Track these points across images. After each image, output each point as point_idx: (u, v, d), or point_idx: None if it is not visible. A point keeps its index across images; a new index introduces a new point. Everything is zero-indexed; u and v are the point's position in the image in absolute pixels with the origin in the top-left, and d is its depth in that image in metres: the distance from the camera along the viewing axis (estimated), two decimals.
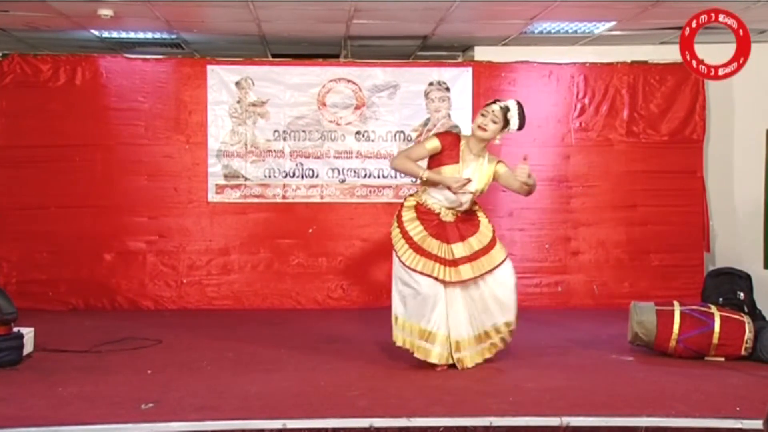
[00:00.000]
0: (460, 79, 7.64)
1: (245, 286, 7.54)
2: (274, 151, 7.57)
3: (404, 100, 7.61)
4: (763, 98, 7.80)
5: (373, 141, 7.61)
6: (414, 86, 7.61)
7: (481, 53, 7.97)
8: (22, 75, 7.36)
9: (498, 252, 5.13)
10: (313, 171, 7.60)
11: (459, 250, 5.05)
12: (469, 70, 7.69)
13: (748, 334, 5.43)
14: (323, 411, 4.14)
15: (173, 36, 7.71)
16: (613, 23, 7.06)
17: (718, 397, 4.51)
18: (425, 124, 7.59)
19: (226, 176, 7.54)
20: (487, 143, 5.14)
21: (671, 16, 6.61)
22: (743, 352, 5.43)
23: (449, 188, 5.02)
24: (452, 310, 5.04)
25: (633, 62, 7.78)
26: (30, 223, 7.33)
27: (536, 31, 7.36)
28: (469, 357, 5.09)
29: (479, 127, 5.04)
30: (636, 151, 7.74)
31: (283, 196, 7.59)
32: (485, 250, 5.10)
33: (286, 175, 7.59)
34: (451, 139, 5.14)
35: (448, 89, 7.61)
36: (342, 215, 7.62)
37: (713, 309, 5.61)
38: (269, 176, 7.57)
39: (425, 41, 7.93)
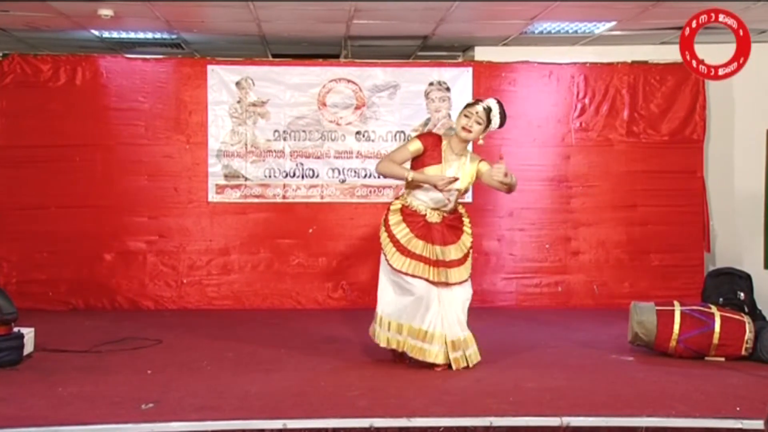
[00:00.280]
0: (460, 79, 7.64)
1: (245, 286, 7.54)
2: (275, 151, 7.57)
3: (404, 100, 7.61)
4: (763, 98, 7.80)
5: (373, 141, 7.61)
6: (414, 86, 7.61)
7: (482, 53, 7.98)
8: (22, 75, 7.37)
9: (464, 269, 5.16)
10: (313, 171, 7.60)
11: (440, 253, 5.08)
12: (470, 70, 7.69)
13: (749, 335, 5.43)
14: (323, 411, 4.14)
15: (173, 36, 7.71)
16: (613, 23, 7.06)
17: (719, 397, 4.51)
18: (425, 124, 7.59)
19: (226, 176, 7.54)
20: (468, 142, 5.18)
21: (671, 16, 6.61)
22: (743, 353, 5.43)
23: (436, 187, 5.04)
24: (445, 310, 5.05)
25: (633, 62, 7.78)
26: (30, 223, 7.34)
27: (536, 31, 7.36)
28: (462, 358, 5.08)
29: (463, 128, 5.07)
30: (636, 151, 7.75)
31: (284, 196, 7.60)
32: (459, 262, 5.14)
33: (286, 175, 7.59)
34: (432, 139, 5.19)
35: (448, 89, 7.61)
36: (342, 215, 7.62)
37: (713, 309, 5.61)
38: (269, 176, 7.58)
39: (425, 41, 7.93)
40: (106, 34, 7.65)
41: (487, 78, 7.70)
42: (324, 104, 7.60)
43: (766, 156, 7.82)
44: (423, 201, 5.16)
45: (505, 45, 7.93)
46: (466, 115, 5.08)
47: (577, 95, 7.75)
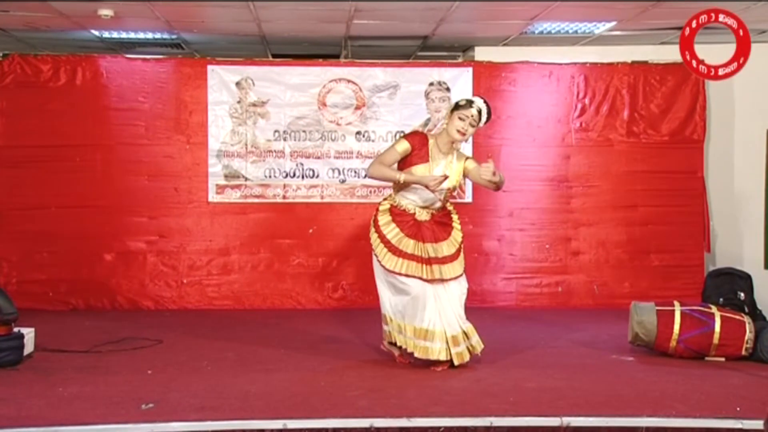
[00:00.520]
0: (460, 80, 7.65)
1: (245, 286, 7.54)
2: (275, 151, 7.58)
3: (404, 100, 7.61)
4: (764, 98, 7.80)
5: (373, 141, 7.61)
6: (414, 86, 7.62)
7: (482, 53, 7.98)
8: (22, 75, 7.37)
9: (458, 264, 5.16)
10: (313, 171, 7.60)
11: (432, 250, 5.09)
12: (470, 70, 7.70)
13: (749, 335, 5.43)
14: (323, 411, 4.14)
15: (173, 36, 7.71)
16: (613, 23, 7.06)
17: (719, 398, 4.50)
18: (425, 124, 7.59)
19: (226, 176, 7.54)
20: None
21: (671, 17, 6.61)
22: (744, 353, 5.43)
23: (427, 187, 5.04)
24: (442, 306, 5.06)
25: (633, 62, 7.78)
26: (30, 223, 7.34)
27: (536, 32, 7.36)
28: (464, 352, 5.09)
29: (459, 131, 5.09)
30: (636, 152, 7.75)
31: (284, 197, 7.60)
32: (452, 257, 5.14)
33: (286, 176, 7.59)
34: (419, 138, 5.21)
35: (448, 89, 7.62)
36: (342, 215, 7.62)
37: (714, 309, 5.61)
38: (269, 176, 7.58)
39: (426, 41, 7.94)
40: (106, 34, 7.65)
41: (487, 78, 7.70)
42: (324, 104, 7.60)
43: (766, 156, 7.82)
44: (412, 200, 5.18)
45: (505, 45, 7.93)
46: (461, 118, 5.08)
47: (578, 95, 7.75)
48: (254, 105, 7.55)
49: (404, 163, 5.15)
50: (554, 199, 7.76)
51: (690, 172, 7.75)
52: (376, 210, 5.29)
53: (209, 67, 7.53)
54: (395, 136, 7.58)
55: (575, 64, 7.80)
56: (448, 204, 5.33)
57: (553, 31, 7.37)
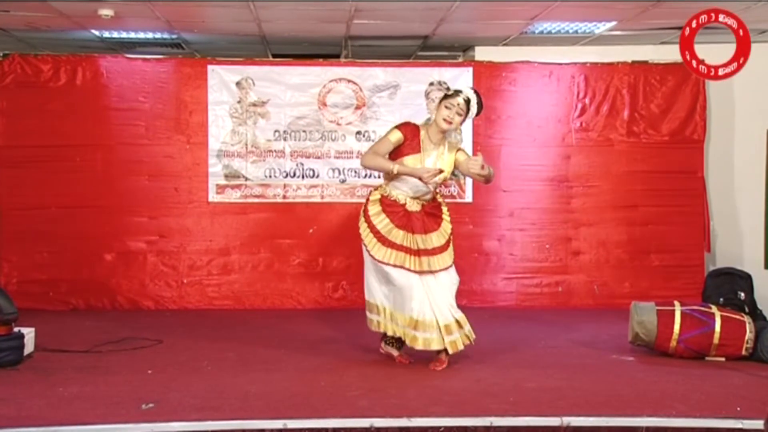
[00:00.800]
0: (460, 79, 7.64)
1: (246, 286, 7.54)
2: (275, 151, 7.58)
3: (405, 100, 7.61)
4: (764, 98, 7.80)
5: (373, 141, 7.58)
6: (414, 86, 7.62)
7: (482, 53, 7.98)
8: (22, 75, 7.37)
9: (447, 256, 5.17)
10: (313, 171, 7.60)
11: (422, 241, 5.10)
12: (470, 70, 7.70)
13: (749, 335, 5.43)
14: (324, 411, 4.14)
15: (174, 36, 7.71)
16: (613, 23, 7.05)
17: (719, 397, 4.50)
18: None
19: (226, 176, 7.54)
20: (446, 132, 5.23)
21: (671, 16, 6.61)
22: (744, 353, 5.43)
23: (421, 179, 5.05)
24: (433, 296, 5.06)
25: (633, 62, 7.78)
26: (30, 223, 7.34)
27: (537, 31, 7.36)
28: (458, 340, 5.08)
29: (445, 120, 5.11)
30: (636, 151, 7.74)
31: (284, 196, 7.60)
32: (441, 249, 5.15)
33: (286, 175, 7.59)
34: (411, 129, 5.22)
35: (448, 89, 7.59)
36: (343, 215, 7.62)
37: (714, 309, 5.61)
38: (270, 176, 7.58)
39: (426, 41, 7.94)
40: (106, 34, 7.65)
41: (488, 78, 7.70)
42: (324, 104, 7.60)
43: (766, 156, 7.82)
44: (402, 191, 5.19)
45: (505, 45, 7.93)
46: (447, 107, 5.11)
47: (578, 95, 7.75)
48: (254, 105, 7.55)
49: (396, 153, 5.16)
50: (554, 199, 7.75)
51: (690, 171, 7.75)
52: (366, 200, 5.32)
53: (209, 67, 7.53)
54: None
55: (575, 64, 7.80)
56: (439, 196, 5.35)
57: (553, 31, 7.37)
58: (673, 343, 5.50)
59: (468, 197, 7.67)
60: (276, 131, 7.57)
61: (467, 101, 5.13)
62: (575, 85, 7.75)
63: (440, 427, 3.98)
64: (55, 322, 6.53)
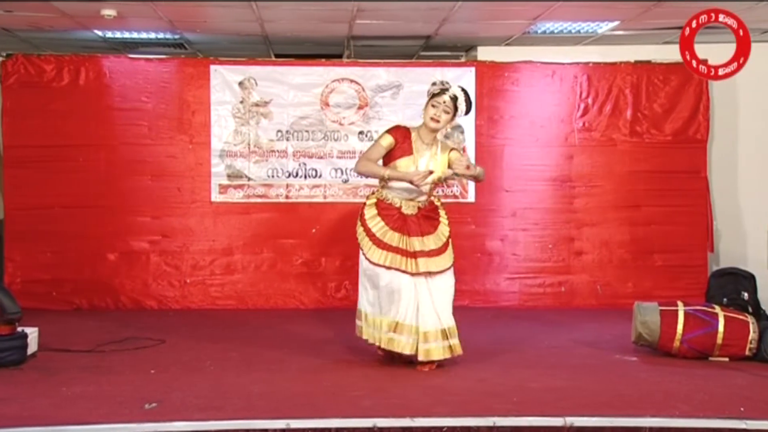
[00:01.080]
0: (463, 79, 7.60)
1: (248, 286, 7.54)
2: (277, 151, 7.58)
3: (407, 100, 7.60)
4: (767, 98, 7.78)
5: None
6: (417, 86, 7.58)
7: (484, 53, 7.98)
8: (25, 75, 7.37)
9: (446, 258, 5.16)
10: (316, 171, 7.60)
11: (418, 244, 5.09)
12: (472, 70, 7.69)
13: (752, 335, 5.43)
14: (327, 411, 4.14)
15: (176, 36, 7.72)
16: (616, 23, 7.05)
17: (722, 398, 4.50)
18: None
19: (229, 176, 7.55)
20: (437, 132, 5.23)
21: (674, 16, 6.60)
22: (747, 353, 5.42)
23: (412, 183, 5.05)
24: (424, 300, 5.05)
25: (636, 62, 7.77)
26: (34, 223, 7.34)
27: (539, 31, 7.35)
28: (435, 349, 5.03)
29: (432, 118, 5.11)
30: (639, 151, 7.73)
31: (287, 196, 7.60)
32: (438, 251, 5.13)
33: (289, 175, 7.59)
34: (402, 131, 5.21)
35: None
36: (345, 215, 7.59)
37: (717, 309, 5.60)
38: (272, 176, 7.58)
39: (428, 41, 7.93)
40: (109, 34, 7.66)
41: (490, 78, 7.69)
42: (327, 104, 7.60)
43: None
44: (398, 193, 5.19)
45: (507, 45, 7.93)
46: (433, 105, 5.11)
47: (580, 95, 7.74)
48: (257, 105, 7.56)
49: (389, 157, 5.17)
50: (557, 199, 7.75)
51: (693, 171, 7.73)
52: (363, 204, 5.32)
53: (212, 67, 7.53)
54: None
55: (578, 63, 7.80)
56: (436, 199, 5.34)
57: (555, 31, 7.37)
58: (677, 344, 5.49)
59: (471, 197, 7.67)
60: (279, 131, 7.58)
61: (454, 99, 5.11)
62: (578, 85, 7.74)
63: (443, 427, 3.98)
64: (59, 322, 6.53)
